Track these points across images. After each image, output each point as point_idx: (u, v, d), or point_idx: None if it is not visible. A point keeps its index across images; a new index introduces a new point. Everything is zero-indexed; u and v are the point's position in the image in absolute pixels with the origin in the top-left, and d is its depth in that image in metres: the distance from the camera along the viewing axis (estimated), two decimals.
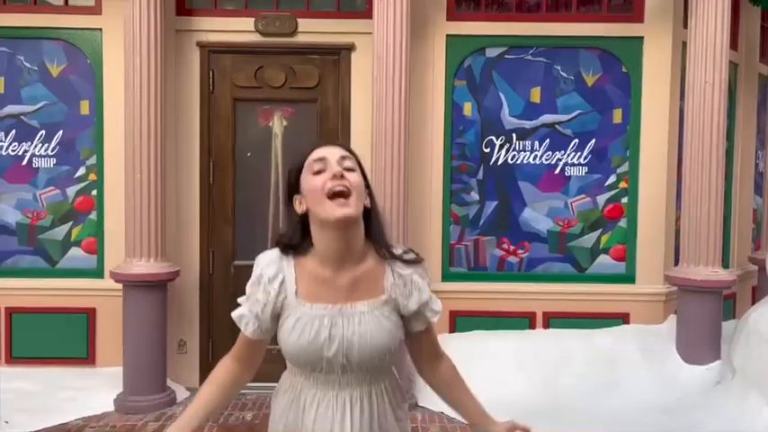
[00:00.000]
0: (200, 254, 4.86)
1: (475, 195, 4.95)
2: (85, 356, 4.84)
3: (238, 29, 4.80)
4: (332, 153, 1.59)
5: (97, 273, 4.83)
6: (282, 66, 4.84)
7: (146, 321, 4.38)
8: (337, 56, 4.85)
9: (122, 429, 4.13)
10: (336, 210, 1.52)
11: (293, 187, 1.62)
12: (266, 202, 4.89)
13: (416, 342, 1.71)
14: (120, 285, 4.42)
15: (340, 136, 4.75)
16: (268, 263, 1.64)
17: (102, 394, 4.47)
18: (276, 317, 1.64)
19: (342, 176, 1.54)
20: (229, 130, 4.86)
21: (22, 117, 4.83)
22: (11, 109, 4.82)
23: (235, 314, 1.69)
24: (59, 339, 4.81)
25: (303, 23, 4.81)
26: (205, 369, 4.87)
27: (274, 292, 1.61)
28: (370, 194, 1.64)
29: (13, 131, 4.83)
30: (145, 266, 4.37)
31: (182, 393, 4.66)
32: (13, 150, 4.83)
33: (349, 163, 1.58)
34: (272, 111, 4.88)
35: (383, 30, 4.37)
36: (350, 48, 4.82)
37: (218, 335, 4.89)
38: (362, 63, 4.74)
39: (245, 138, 4.90)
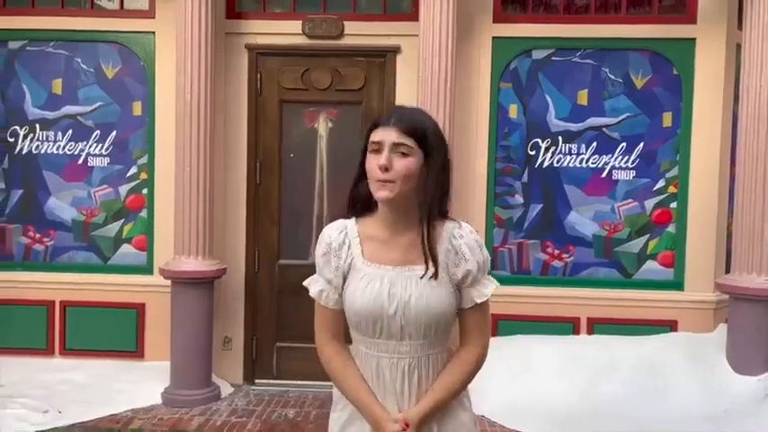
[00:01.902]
0: (246, 253, 4.95)
1: (519, 198, 4.91)
2: (134, 350, 4.98)
3: (286, 32, 4.87)
4: (388, 137, 1.66)
5: (147, 269, 4.97)
6: (328, 68, 4.89)
7: (193, 317, 4.48)
8: (383, 58, 4.88)
9: (169, 422, 4.24)
10: (378, 192, 1.66)
11: (365, 144, 1.72)
12: (311, 202, 4.95)
13: (459, 319, 1.76)
14: (168, 282, 4.54)
15: None
16: (335, 231, 1.76)
17: (149, 387, 4.60)
18: (344, 280, 1.73)
19: (386, 169, 1.64)
20: (276, 132, 4.94)
21: (79, 117, 5.00)
22: (68, 109, 5.00)
23: (313, 291, 1.78)
24: (110, 333, 4.96)
25: (349, 26, 4.86)
26: (248, 365, 4.96)
27: (345, 255, 1.73)
28: (430, 166, 1.68)
29: (70, 131, 5.00)
30: (193, 264, 4.48)
31: (226, 389, 4.76)
32: (70, 150, 5.01)
33: (402, 149, 1.65)
34: (318, 113, 4.94)
35: (429, 32, 4.39)
36: (395, 50, 4.84)
37: (262, 332, 4.98)
38: (408, 65, 4.76)
39: (291, 139, 4.97)
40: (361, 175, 1.72)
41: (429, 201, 1.67)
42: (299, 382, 4.85)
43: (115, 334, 4.96)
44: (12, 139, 5.02)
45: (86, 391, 4.56)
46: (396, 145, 1.65)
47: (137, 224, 5.02)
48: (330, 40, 4.87)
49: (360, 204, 1.76)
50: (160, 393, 4.55)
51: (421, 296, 1.66)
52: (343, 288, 1.73)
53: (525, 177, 4.90)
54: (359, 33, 4.86)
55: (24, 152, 5.02)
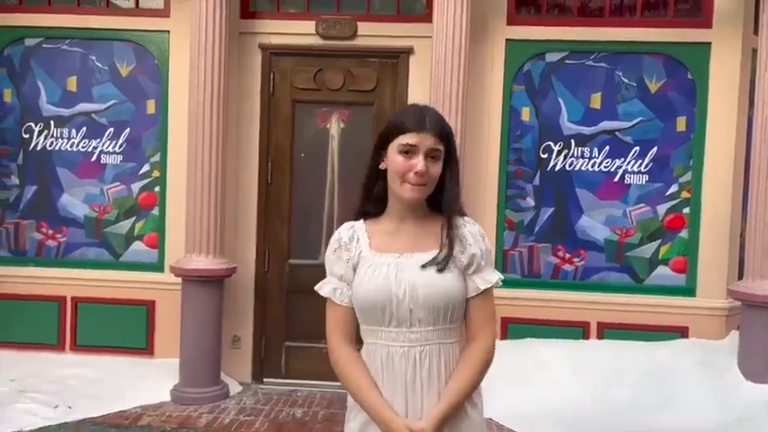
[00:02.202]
0: (256, 252, 4.96)
1: (531, 201, 4.89)
2: (144, 347, 5.01)
3: (299, 32, 4.88)
4: (424, 142, 1.70)
5: (158, 267, 4.99)
6: (341, 69, 4.90)
7: (202, 315, 4.50)
8: (396, 59, 4.88)
9: (177, 419, 4.25)
10: (408, 193, 1.72)
11: (382, 143, 1.76)
12: (322, 202, 4.96)
13: (465, 312, 1.77)
14: (178, 279, 4.56)
15: None
16: (344, 229, 1.83)
17: (159, 384, 4.62)
18: (354, 273, 1.77)
19: (423, 174, 1.69)
20: (288, 132, 4.95)
21: (93, 115, 5.04)
22: (83, 107, 5.04)
23: (326, 290, 1.80)
24: (121, 329, 4.99)
25: (363, 27, 4.86)
26: (257, 364, 4.98)
27: (355, 249, 1.78)
28: (451, 166, 1.76)
29: (84, 128, 5.04)
30: (203, 262, 4.50)
31: (234, 387, 4.77)
32: (84, 147, 5.05)
33: (435, 153, 1.72)
34: (330, 113, 4.95)
35: (442, 33, 4.38)
36: (408, 51, 4.84)
37: (271, 332, 4.99)
38: (420, 66, 4.76)
39: (303, 139, 4.98)
40: (377, 173, 1.78)
41: (452, 196, 1.75)
42: (308, 382, 4.86)
43: (125, 330, 4.99)
44: (27, 136, 5.07)
45: (96, 387, 4.59)
46: (431, 150, 1.71)
47: (148, 222, 5.05)
48: (343, 40, 4.87)
49: (373, 203, 1.81)
50: (169, 390, 4.57)
51: (428, 279, 1.69)
52: (357, 280, 1.76)
53: (537, 180, 4.88)
54: (372, 34, 4.87)
55: (39, 149, 5.06)
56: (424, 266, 1.70)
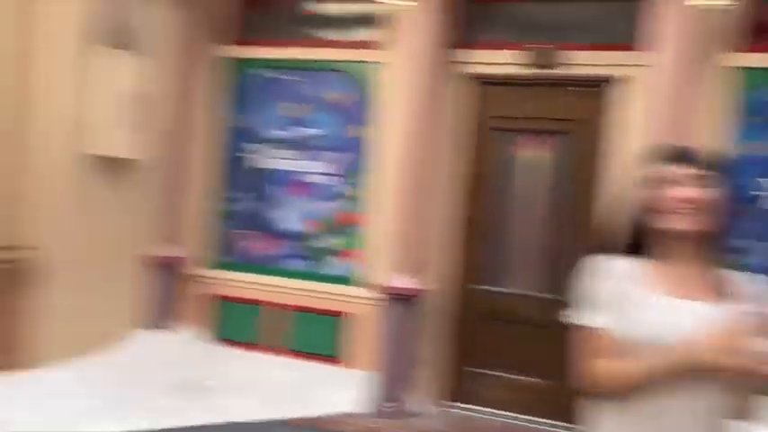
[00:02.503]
0: (450, 275, 5.04)
1: (743, 241, 4.44)
2: (338, 356, 5.26)
3: (504, 61, 4.90)
4: (687, 172, 1.66)
5: (354, 281, 5.26)
6: (543, 97, 4.86)
7: (398, 333, 4.65)
8: (598, 88, 4.74)
9: (364, 430, 4.39)
10: (677, 223, 1.64)
11: (641, 184, 1.72)
12: (517, 231, 4.94)
13: None
14: (371, 294, 4.79)
15: (594, 171, 4.67)
16: (617, 262, 1.72)
17: (348, 394, 4.79)
18: (626, 308, 1.66)
19: (690, 200, 1.62)
20: (488, 159, 5.00)
21: (306, 139, 5.46)
22: (297, 131, 5.48)
23: (594, 321, 1.69)
24: (318, 337, 5.31)
25: (568, 55, 4.78)
26: (448, 387, 5.01)
27: (632, 285, 1.67)
28: (723, 206, 1.66)
29: (298, 151, 5.48)
30: (404, 281, 4.66)
31: (423, 407, 4.82)
32: (296, 167, 5.49)
33: (704, 181, 1.64)
34: (531, 141, 4.92)
35: (656, 64, 4.20)
36: (612, 80, 4.68)
37: (460, 354, 5.01)
38: (629, 96, 4.58)
39: (502, 167, 5.00)
40: (638, 211, 1.71)
41: (723, 234, 1.67)
42: (499, 411, 4.78)
43: (322, 339, 5.30)
44: (248, 156, 5.61)
45: (290, 390, 4.85)
46: (695, 178, 1.65)
47: (349, 239, 5.33)
48: (547, 69, 4.82)
49: (619, 244, 1.74)
50: (358, 401, 4.73)
51: (708, 330, 1.56)
52: (624, 317, 1.66)
53: (755, 222, 4.42)
54: (574, 63, 4.77)
55: (258, 168, 5.58)
56: (719, 320, 1.57)
